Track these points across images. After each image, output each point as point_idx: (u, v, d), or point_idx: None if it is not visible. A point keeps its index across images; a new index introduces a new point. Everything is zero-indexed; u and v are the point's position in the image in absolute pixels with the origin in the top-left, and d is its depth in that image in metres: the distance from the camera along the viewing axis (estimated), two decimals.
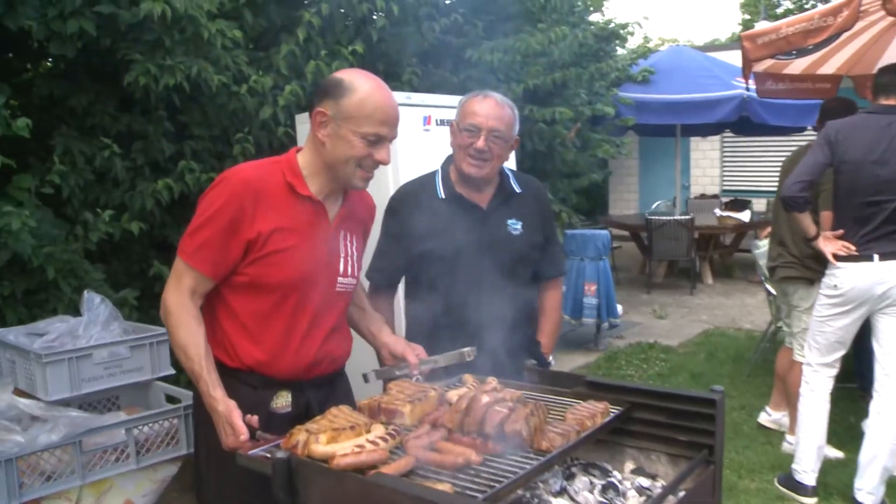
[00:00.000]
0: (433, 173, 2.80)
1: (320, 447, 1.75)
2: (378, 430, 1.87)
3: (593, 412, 2.01)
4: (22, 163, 4.14)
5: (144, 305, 4.62)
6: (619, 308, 7.75)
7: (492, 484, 1.61)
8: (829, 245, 3.97)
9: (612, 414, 2.06)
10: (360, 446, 1.74)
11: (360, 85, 2.12)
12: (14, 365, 2.73)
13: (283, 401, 2.26)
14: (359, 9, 5.02)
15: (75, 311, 3.94)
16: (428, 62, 6.56)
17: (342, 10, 5.13)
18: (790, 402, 4.81)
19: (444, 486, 1.55)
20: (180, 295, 2.14)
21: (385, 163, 2.19)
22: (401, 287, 2.89)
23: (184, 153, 4.53)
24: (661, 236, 9.98)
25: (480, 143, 2.56)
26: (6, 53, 4.17)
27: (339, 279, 2.30)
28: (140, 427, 2.49)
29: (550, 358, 2.89)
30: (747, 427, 5.31)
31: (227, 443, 2.00)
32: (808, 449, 4.08)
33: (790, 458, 4.24)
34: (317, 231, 2.23)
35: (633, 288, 10.56)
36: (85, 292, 2.80)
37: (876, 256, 3.78)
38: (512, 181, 2.78)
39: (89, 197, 4.30)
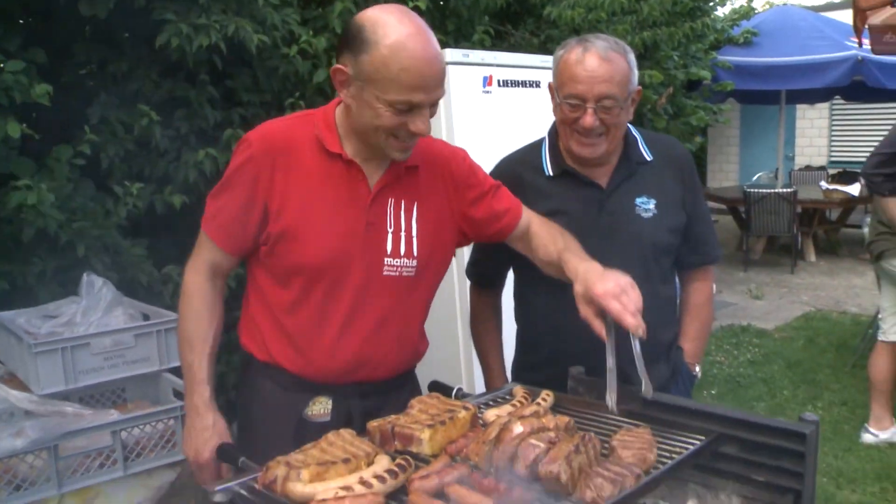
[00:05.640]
0: (539, 143, 2.24)
1: (300, 486, 1.38)
2: (381, 463, 1.48)
3: (644, 443, 1.56)
4: (64, 133, 3.94)
5: None
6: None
7: None
8: None
9: (688, 449, 1.60)
10: (348, 488, 1.36)
11: (384, 36, 1.61)
12: (13, 352, 2.47)
13: (320, 408, 1.88)
14: None
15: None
16: (505, 21, 6.12)
17: None
18: (872, 390, 4.52)
19: None
20: (197, 273, 1.89)
21: (423, 134, 1.72)
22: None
23: (232, 121, 4.23)
24: (761, 210, 9.35)
25: (588, 119, 1.98)
26: (29, 17, 3.93)
27: (387, 260, 1.84)
28: (129, 430, 2.18)
29: (697, 369, 2.34)
30: (849, 427, 4.74)
31: (190, 458, 1.81)
32: None
33: None
34: (350, 199, 1.81)
35: (729, 265, 9.90)
36: (84, 275, 2.52)
37: None
38: (641, 146, 2.18)
39: (133, 168, 4.06)
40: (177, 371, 2.58)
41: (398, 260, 1.85)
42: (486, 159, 2.43)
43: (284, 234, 1.78)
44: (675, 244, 2.20)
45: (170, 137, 4.04)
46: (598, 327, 1.73)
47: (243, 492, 1.40)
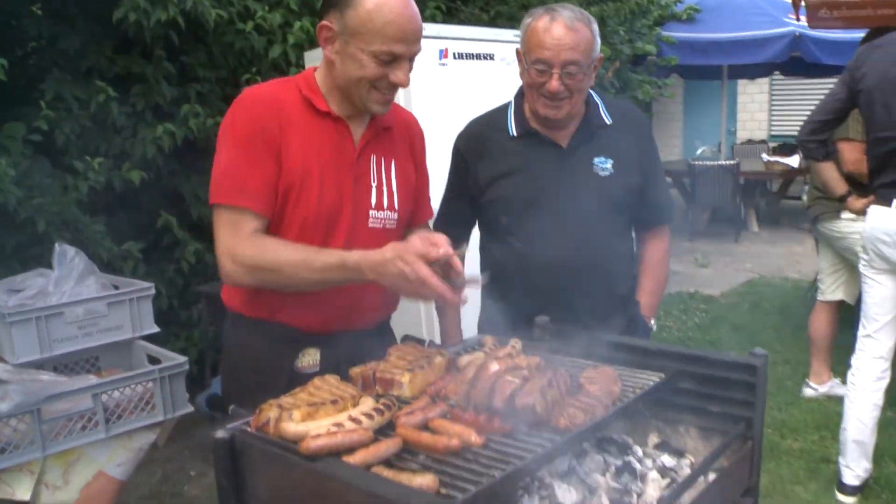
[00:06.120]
0: (505, 107, 2.35)
1: (292, 426, 1.45)
2: (366, 404, 1.57)
3: (609, 378, 1.68)
4: (14, 111, 3.91)
5: (153, 258, 4.43)
6: None
7: (491, 473, 1.30)
8: (856, 205, 3.61)
9: (651, 383, 1.72)
10: (339, 425, 1.44)
11: None
12: None
13: (309, 359, 1.96)
14: None
15: None
16: None
17: None
18: (812, 347, 4.77)
19: (426, 478, 1.24)
20: (250, 241, 1.78)
21: (403, 85, 1.83)
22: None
23: (188, 97, 4.24)
24: (705, 182, 9.60)
25: (554, 84, 2.08)
26: None
27: (372, 212, 1.95)
28: (109, 392, 2.23)
29: (652, 322, 2.47)
30: (791, 383, 4.99)
31: (413, 288, 1.67)
32: (846, 440, 3.59)
33: (838, 416, 3.80)
34: (339, 155, 1.90)
35: (675, 236, 9.94)
36: (56, 245, 2.54)
37: (895, 202, 3.24)
38: (601, 111, 2.30)
39: (89, 145, 4.06)
40: (149, 338, 2.63)
41: (382, 212, 1.96)
42: (443, 128, 2.52)
43: (288, 189, 1.83)
44: (631, 202, 2.32)
45: (126, 114, 4.05)
46: None
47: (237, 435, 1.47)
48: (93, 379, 2.26)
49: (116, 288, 2.73)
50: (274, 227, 1.86)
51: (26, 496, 2.18)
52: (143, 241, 4.19)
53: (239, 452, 1.40)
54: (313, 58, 4.14)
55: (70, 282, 2.46)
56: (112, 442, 2.27)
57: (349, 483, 1.18)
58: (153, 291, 2.61)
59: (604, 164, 2.25)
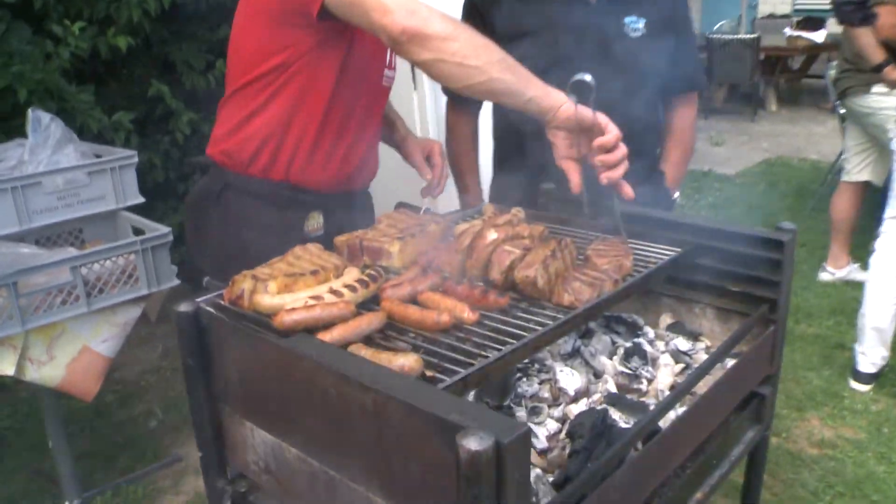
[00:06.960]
0: None
1: (267, 298, 1.32)
2: (350, 275, 1.43)
3: (619, 251, 1.53)
4: None
5: (147, 129, 4.26)
6: None
7: (482, 353, 1.17)
8: (892, 75, 3.39)
9: (664, 258, 1.57)
10: (317, 297, 1.31)
11: None
12: None
13: (315, 223, 1.93)
14: None
15: None
16: None
17: None
18: (833, 229, 4.61)
19: (409, 359, 1.11)
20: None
21: None
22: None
23: None
24: (723, 57, 9.21)
25: None
26: None
27: (386, 71, 1.96)
28: (89, 265, 2.11)
29: (676, 194, 2.31)
30: (807, 266, 4.85)
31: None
32: (863, 326, 3.48)
33: (855, 301, 3.69)
34: None
35: None
36: (30, 111, 2.36)
37: None
38: None
39: (70, 10, 3.80)
40: (134, 209, 2.50)
41: (391, 71, 1.97)
42: None
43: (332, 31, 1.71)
44: (661, 66, 2.11)
45: None
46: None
47: (207, 307, 1.34)
48: (72, 251, 2.14)
49: (98, 157, 2.57)
50: (330, 83, 1.78)
51: (10, 371, 2.11)
52: (135, 112, 4.01)
53: (205, 328, 1.27)
54: None
55: (47, 150, 2.30)
56: (95, 316, 2.16)
57: (319, 363, 1.04)
58: (136, 159, 2.44)
59: (635, 25, 2.04)
